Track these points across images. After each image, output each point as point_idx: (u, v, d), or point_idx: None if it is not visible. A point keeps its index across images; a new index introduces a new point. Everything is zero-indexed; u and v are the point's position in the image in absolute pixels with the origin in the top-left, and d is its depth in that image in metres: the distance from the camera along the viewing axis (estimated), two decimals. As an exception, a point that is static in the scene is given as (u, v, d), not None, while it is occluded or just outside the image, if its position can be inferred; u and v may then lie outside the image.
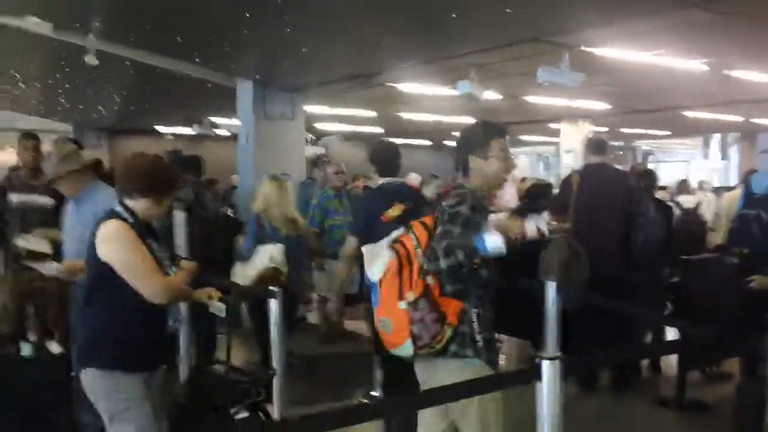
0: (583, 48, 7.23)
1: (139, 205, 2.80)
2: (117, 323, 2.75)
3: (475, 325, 2.57)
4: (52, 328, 4.38)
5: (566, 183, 5.39)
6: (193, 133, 14.87)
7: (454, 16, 5.94)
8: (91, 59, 7.24)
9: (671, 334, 5.79)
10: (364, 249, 2.74)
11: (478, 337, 2.57)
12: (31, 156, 4.84)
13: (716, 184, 16.63)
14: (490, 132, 2.87)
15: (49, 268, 3.77)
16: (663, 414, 4.88)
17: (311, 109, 11.70)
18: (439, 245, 2.47)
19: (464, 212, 2.53)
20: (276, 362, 3.76)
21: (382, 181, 4.22)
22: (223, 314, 3.14)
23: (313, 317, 7.29)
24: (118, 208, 2.79)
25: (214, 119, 14.28)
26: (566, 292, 4.11)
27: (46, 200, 4.68)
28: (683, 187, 10.40)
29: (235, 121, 10.66)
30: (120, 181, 2.88)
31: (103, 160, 5.35)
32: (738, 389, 3.87)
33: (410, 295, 2.50)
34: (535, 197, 6.25)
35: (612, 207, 5.02)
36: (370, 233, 3.67)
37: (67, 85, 10.99)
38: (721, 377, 5.37)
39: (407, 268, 2.55)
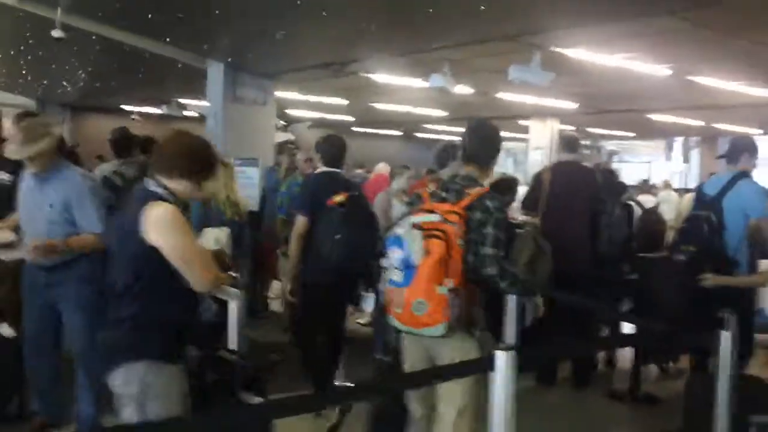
0: (554, 48, 7.35)
1: (180, 186, 2.61)
2: (165, 311, 2.57)
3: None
4: (4, 310, 4.19)
5: (537, 179, 5.48)
6: (160, 112, 14.67)
7: (430, 11, 5.98)
8: (57, 33, 7.02)
9: (628, 329, 5.95)
10: (399, 230, 2.86)
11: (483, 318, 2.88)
12: None
13: (677, 186, 17.05)
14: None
15: (14, 254, 3.73)
16: (617, 407, 5.02)
17: (283, 94, 11.64)
18: (485, 236, 2.83)
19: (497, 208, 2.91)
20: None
21: (325, 169, 4.54)
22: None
23: (276, 305, 7.29)
24: (159, 190, 2.57)
25: (182, 100, 14.11)
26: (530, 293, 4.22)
27: (4, 176, 4.39)
28: (644, 186, 10.64)
29: (204, 103, 10.55)
30: (160, 160, 2.64)
31: (66, 136, 5.26)
32: (687, 384, 4.01)
33: (450, 282, 2.72)
34: (500, 191, 6.31)
35: (579, 204, 5.14)
36: (315, 215, 4.29)
37: (31, 58, 10.72)
38: (678, 373, 5.54)
39: (449, 254, 2.75)
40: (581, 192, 5.19)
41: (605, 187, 5.42)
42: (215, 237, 4.53)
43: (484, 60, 8.29)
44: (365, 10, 6.34)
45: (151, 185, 2.59)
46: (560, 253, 4.90)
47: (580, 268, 4.99)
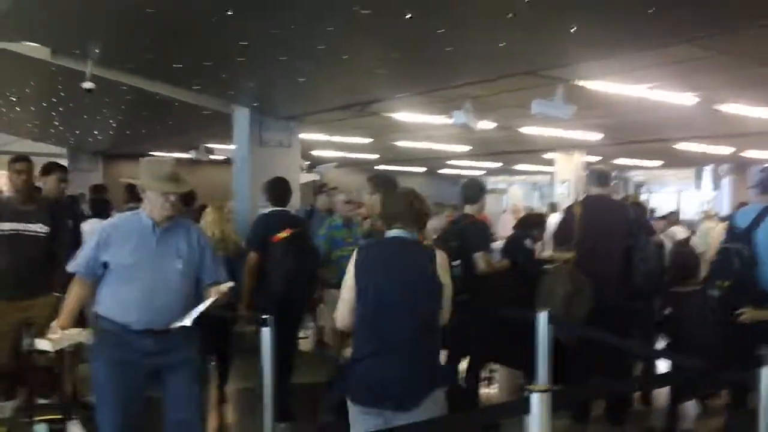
0: (576, 81, 7.35)
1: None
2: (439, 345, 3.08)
3: None
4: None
5: (568, 214, 5.41)
6: (189, 157, 14.92)
7: (449, 49, 6.03)
8: (87, 84, 7.23)
9: (662, 364, 5.81)
10: None
11: None
12: (22, 180, 4.59)
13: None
14: None
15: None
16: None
17: (307, 136, 11.78)
18: None
19: None
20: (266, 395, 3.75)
21: (272, 209, 5.25)
22: None
23: (306, 344, 7.28)
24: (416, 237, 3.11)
25: (209, 145, 14.34)
26: (563, 326, 4.16)
27: (38, 227, 4.54)
28: (672, 218, 10.49)
29: (231, 146, 10.73)
30: (405, 217, 3.07)
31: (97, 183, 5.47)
32: (726, 422, 3.89)
33: None
34: (528, 227, 6.29)
35: (612, 239, 5.06)
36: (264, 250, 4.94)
37: (62, 109, 11.04)
38: (716, 410, 5.39)
39: None
40: (614, 226, 5.11)
41: (637, 221, 5.35)
42: None
43: (505, 95, 8.31)
44: (384, 51, 6.41)
45: (407, 234, 3.06)
46: (593, 288, 4.84)
47: (614, 304, 4.90)
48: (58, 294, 4.45)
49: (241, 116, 9.68)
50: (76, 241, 4.98)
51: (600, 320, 4.61)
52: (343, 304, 3.06)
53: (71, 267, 3.37)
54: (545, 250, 6.26)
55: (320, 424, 4.73)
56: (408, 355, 2.88)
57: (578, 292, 4.82)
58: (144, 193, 3.31)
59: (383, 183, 4.55)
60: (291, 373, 5.02)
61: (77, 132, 14.03)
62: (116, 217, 3.54)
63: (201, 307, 3.21)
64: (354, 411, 2.98)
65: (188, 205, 6.83)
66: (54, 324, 3.29)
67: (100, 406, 3.25)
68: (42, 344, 3.31)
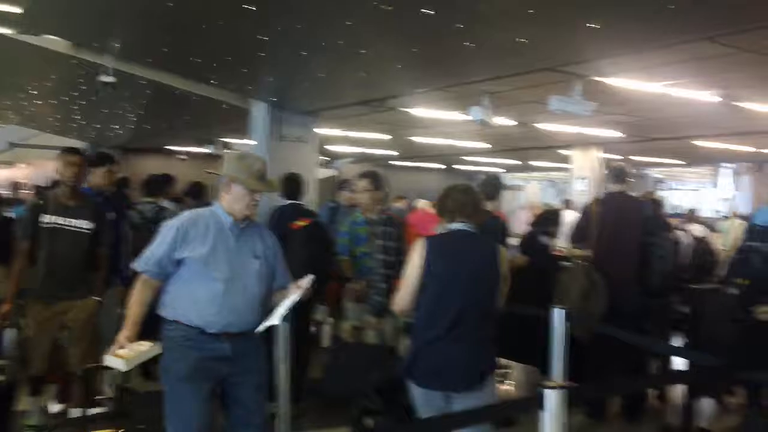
0: (595, 77, 7.31)
1: None
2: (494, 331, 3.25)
3: None
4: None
5: (586, 211, 5.41)
6: (206, 151, 15.01)
7: (467, 44, 6.02)
8: (107, 78, 7.29)
9: (678, 362, 5.78)
10: None
11: None
12: (73, 173, 4.30)
13: (726, 214, 16.64)
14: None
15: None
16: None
17: (324, 131, 11.80)
18: None
19: None
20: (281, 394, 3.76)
21: (286, 202, 5.55)
22: None
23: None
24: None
25: (227, 139, 14.41)
26: (579, 323, 4.16)
27: (81, 223, 4.30)
28: (691, 216, 10.41)
29: (248, 141, 10.77)
30: (469, 212, 3.28)
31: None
32: (745, 419, 3.87)
33: None
34: (545, 223, 6.27)
35: (630, 236, 5.07)
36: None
37: (83, 103, 11.15)
38: (732, 407, 5.36)
39: None
40: (631, 224, 5.11)
41: (654, 218, 5.32)
42: None
43: (524, 92, 8.29)
44: (402, 46, 6.41)
45: (469, 227, 3.26)
46: (611, 286, 4.84)
47: (631, 301, 4.91)
48: (97, 298, 4.38)
49: (259, 111, 9.71)
50: (118, 237, 4.89)
51: (616, 318, 4.60)
52: (406, 289, 3.22)
53: (139, 266, 3.06)
54: (558, 244, 6.24)
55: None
56: (472, 339, 3.12)
57: (594, 289, 4.83)
58: (228, 186, 3.12)
59: (378, 179, 4.67)
60: (306, 368, 5.01)
61: (98, 126, 14.14)
62: (191, 212, 3.19)
63: (288, 304, 3.06)
64: (419, 394, 3.15)
65: (198, 199, 6.88)
66: (121, 337, 2.92)
67: (176, 423, 2.98)
68: (114, 362, 2.87)
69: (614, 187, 5.32)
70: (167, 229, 3.08)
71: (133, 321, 2.96)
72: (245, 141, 12.32)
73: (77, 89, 9.90)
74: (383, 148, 16.61)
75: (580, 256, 5.17)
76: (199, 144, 15.04)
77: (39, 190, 7.40)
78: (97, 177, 4.97)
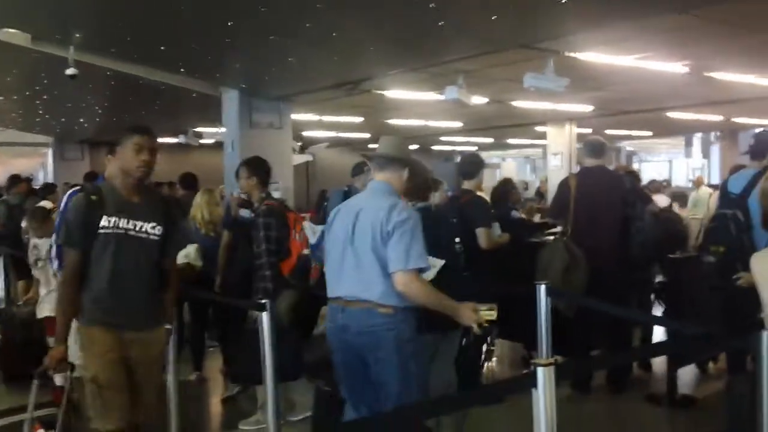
0: (567, 53, 7.31)
1: None
2: None
3: None
4: None
5: (563, 186, 5.40)
6: (178, 141, 14.82)
7: (441, 24, 5.98)
8: (71, 71, 7.01)
9: (660, 331, 5.86)
10: None
11: None
12: (143, 161, 3.16)
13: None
14: None
15: None
16: (656, 411, 4.95)
17: (298, 117, 11.71)
18: None
19: None
20: (268, 377, 3.65)
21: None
22: None
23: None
24: None
25: (199, 129, 14.25)
26: (563, 297, 4.19)
27: (150, 228, 3.20)
28: (652, 186, 10.55)
29: (220, 130, 10.65)
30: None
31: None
32: (727, 385, 3.93)
33: None
34: (503, 199, 6.42)
35: (608, 209, 5.08)
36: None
37: (47, 97, 10.92)
38: (715, 374, 5.46)
39: None
40: (609, 197, 5.12)
41: (632, 190, 5.36)
42: (185, 252, 5.11)
43: (498, 69, 8.27)
44: (374, 28, 6.35)
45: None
46: (591, 259, 4.88)
47: (612, 272, 4.94)
48: (168, 326, 3.41)
49: (230, 98, 9.60)
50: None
51: (598, 290, 4.64)
52: None
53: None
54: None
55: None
56: None
57: (575, 263, 4.85)
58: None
59: (257, 166, 4.72)
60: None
61: (63, 120, 13.88)
62: None
63: None
64: None
65: (190, 189, 6.82)
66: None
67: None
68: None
69: (592, 162, 5.31)
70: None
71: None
72: (218, 129, 12.20)
73: (40, 83, 9.69)
74: (358, 131, 16.54)
75: (558, 232, 5.21)
76: (171, 134, 14.85)
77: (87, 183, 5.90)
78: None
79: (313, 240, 4.50)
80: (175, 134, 14.65)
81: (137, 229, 3.16)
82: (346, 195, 7.81)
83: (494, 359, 6.10)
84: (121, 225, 3.12)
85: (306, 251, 4.50)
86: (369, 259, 3.03)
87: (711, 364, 5.60)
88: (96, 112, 12.62)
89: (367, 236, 3.05)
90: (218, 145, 11.80)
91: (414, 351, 3.06)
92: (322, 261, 3.80)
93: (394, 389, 3.01)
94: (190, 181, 7.16)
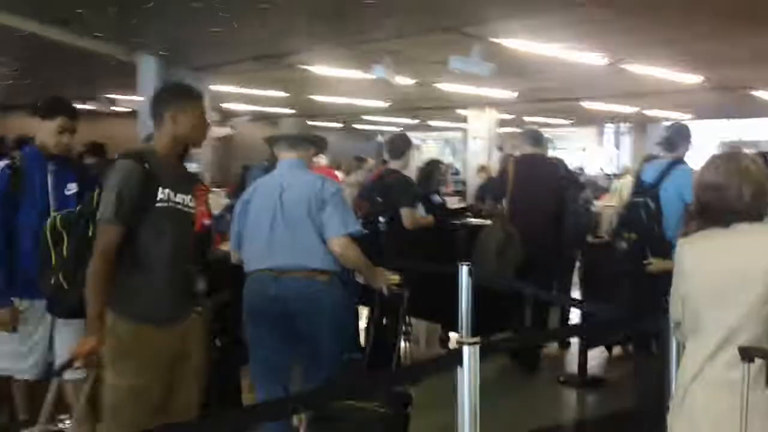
0: (492, 39, 7.41)
1: None
2: None
3: None
4: None
5: (503, 171, 5.81)
6: (88, 108, 14.16)
7: (369, 2, 5.93)
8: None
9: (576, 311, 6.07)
10: None
11: None
12: (202, 128, 2.80)
13: (610, 171, 17.53)
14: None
15: None
16: (568, 391, 5.15)
17: (219, 88, 11.41)
18: None
19: None
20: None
21: None
22: None
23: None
24: None
25: (112, 96, 13.69)
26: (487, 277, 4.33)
27: (191, 202, 2.77)
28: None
29: (136, 97, 10.25)
30: None
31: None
32: (636, 365, 4.10)
33: None
34: (426, 184, 6.49)
35: (545, 193, 5.42)
36: None
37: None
38: (623, 356, 5.71)
39: None
40: (546, 183, 5.47)
41: (567, 176, 5.80)
42: None
43: (424, 51, 8.30)
44: (303, 1, 6.24)
45: None
46: (528, 239, 5.16)
47: (546, 252, 5.26)
48: (198, 308, 2.94)
49: (148, 66, 9.24)
50: None
51: (532, 269, 5.02)
52: None
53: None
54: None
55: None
56: None
57: (509, 241, 5.13)
58: None
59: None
60: None
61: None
62: None
63: None
64: None
65: (99, 156, 6.50)
66: None
67: None
68: None
69: (530, 149, 5.63)
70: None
71: None
72: (133, 97, 11.73)
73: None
74: (280, 106, 16.28)
75: (496, 214, 5.55)
76: (83, 101, 14.17)
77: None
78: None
79: (216, 212, 4.47)
80: (85, 100, 13.99)
81: (184, 203, 2.71)
82: (266, 171, 7.72)
83: (410, 340, 6.17)
84: (173, 200, 2.65)
85: (207, 222, 4.38)
86: (305, 229, 3.15)
87: (621, 347, 5.82)
88: (5, 74, 11.90)
89: (302, 208, 3.15)
90: (133, 114, 11.36)
91: (346, 313, 3.40)
92: (224, 231, 3.94)
93: (328, 350, 3.20)
94: (98, 150, 6.78)
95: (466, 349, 2.14)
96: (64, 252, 2.72)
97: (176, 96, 2.76)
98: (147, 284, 2.60)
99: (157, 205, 2.58)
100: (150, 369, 2.58)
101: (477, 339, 2.20)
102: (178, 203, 2.67)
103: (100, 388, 2.64)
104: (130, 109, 13.81)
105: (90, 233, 2.63)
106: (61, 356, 3.09)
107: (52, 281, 2.71)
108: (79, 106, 14.78)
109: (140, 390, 2.55)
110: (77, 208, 2.83)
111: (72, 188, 3.33)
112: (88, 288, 2.51)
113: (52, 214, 2.95)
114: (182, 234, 2.70)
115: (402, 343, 5.31)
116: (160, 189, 2.59)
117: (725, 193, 2.12)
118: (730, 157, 2.23)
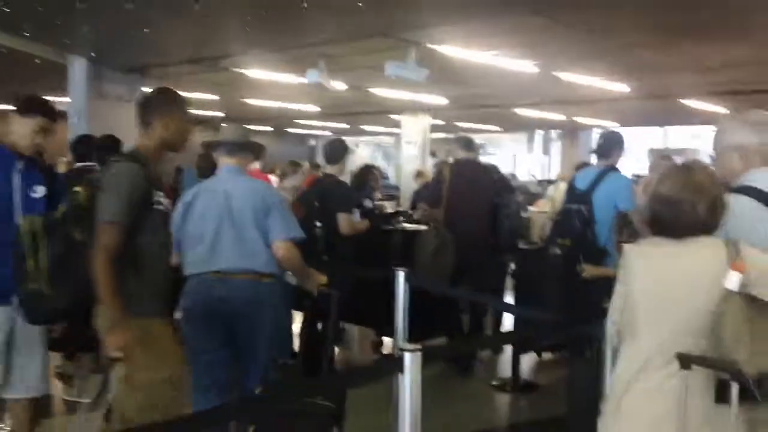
0: (428, 45, 7.49)
1: None
2: None
3: None
4: None
5: (439, 176, 5.88)
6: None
7: (305, 6, 5.91)
8: None
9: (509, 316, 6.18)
10: None
11: None
12: (187, 131, 2.98)
13: (541, 178, 17.95)
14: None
15: None
16: (501, 396, 5.21)
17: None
18: None
19: None
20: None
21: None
22: None
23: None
24: None
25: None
26: (425, 282, 4.36)
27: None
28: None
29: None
30: None
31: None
32: (570, 371, 4.21)
33: None
34: (360, 188, 6.56)
35: (480, 198, 5.51)
36: None
37: None
38: (556, 360, 5.83)
39: None
40: (481, 187, 5.57)
41: (501, 181, 5.98)
42: None
43: (360, 56, 8.32)
44: (237, 3, 6.18)
45: None
46: (462, 244, 5.22)
47: (480, 256, 5.35)
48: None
49: (78, 67, 9.02)
50: None
51: (466, 273, 5.10)
52: None
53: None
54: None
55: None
56: None
57: (443, 245, 5.20)
58: None
59: None
60: None
61: None
62: None
63: None
64: None
65: (112, 152, 6.22)
66: None
67: None
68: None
69: (464, 155, 5.71)
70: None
71: None
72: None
73: None
74: (212, 109, 16.03)
75: (432, 218, 5.59)
76: (7, 101, 13.59)
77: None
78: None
79: None
80: (11, 102, 13.42)
81: (165, 205, 2.85)
82: (201, 174, 7.59)
83: (343, 344, 6.18)
84: (162, 200, 2.81)
85: None
86: (252, 233, 3.27)
87: (553, 351, 5.93)
88: None
89: (247, 212, 3.28)
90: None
91: (284, 316, 3.63)
92: None
93: (264, 352, 3.25)
94: (113, 145, 6.53)
95: (407, 355, 2.17)
96: (40, 257, 2.71)
97: (166, 102, 2.93)
98: (146, 282, 2.71)
99: (154, 206, 2.75)
100: (178, 357, 2.82)
101: (418, 346, 2.22)
102: (162, 204, 2.81)
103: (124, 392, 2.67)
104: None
105: (76, 236, 2.72)
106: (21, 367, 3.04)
107: (29, 287, 2.70)
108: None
109: (176, 380, 2.75)
110: (53, 212, 2.86)
111: (39, 191, 3.21)
112: (102, 286, 2.56)
113: (21, 216, 2.91)
114: (168, 233, 2.95)
115: (335, 348, 5.33)
116: (155, 192, 2.76)
117: (679, 207, 2.10)
118: (685, 169, 2.18)
